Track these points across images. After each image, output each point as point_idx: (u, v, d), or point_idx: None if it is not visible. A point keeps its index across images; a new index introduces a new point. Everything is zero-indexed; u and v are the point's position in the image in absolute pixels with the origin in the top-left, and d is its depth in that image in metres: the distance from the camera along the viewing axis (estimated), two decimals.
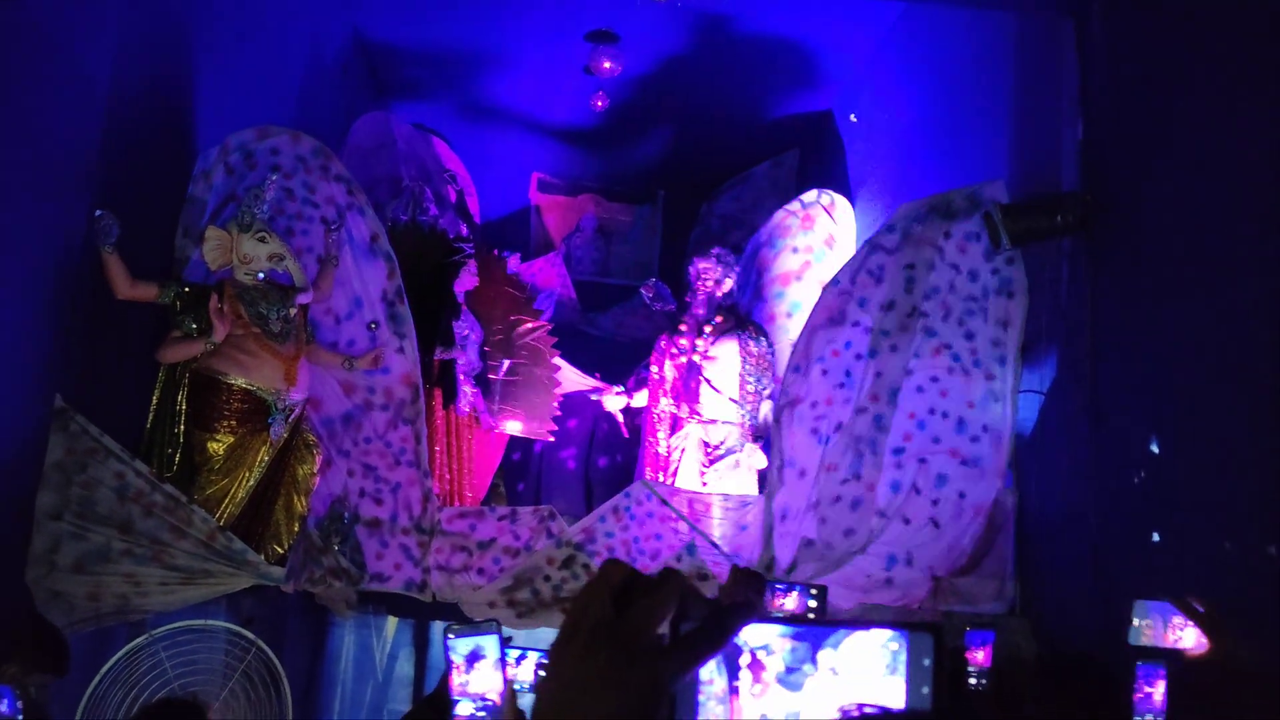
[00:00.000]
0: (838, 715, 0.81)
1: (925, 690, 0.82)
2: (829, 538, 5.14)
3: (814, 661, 0.84)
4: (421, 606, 5.51)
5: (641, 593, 0.81)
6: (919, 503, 5.20)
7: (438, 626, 5.60)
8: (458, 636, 1.81)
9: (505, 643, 1.88)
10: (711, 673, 0.84)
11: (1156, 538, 4.02)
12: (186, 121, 5.84)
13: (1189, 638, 2.27)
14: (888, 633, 0.84)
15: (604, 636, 0.79)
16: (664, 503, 5.57)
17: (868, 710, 0.75)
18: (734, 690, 0.83)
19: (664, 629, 0.81)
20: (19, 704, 3.24)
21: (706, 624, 0.80)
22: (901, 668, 0.83)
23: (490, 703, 1.78)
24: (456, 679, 1.78)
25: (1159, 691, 2.45)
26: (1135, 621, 2.30)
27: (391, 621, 5.62)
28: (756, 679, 0.83)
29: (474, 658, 1.78)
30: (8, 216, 4.48)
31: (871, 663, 0.84)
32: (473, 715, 1.77)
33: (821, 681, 0.83)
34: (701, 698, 0.81)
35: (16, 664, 3.51)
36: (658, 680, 0.78)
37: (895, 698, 0.82)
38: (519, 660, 2.30)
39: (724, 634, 0.80)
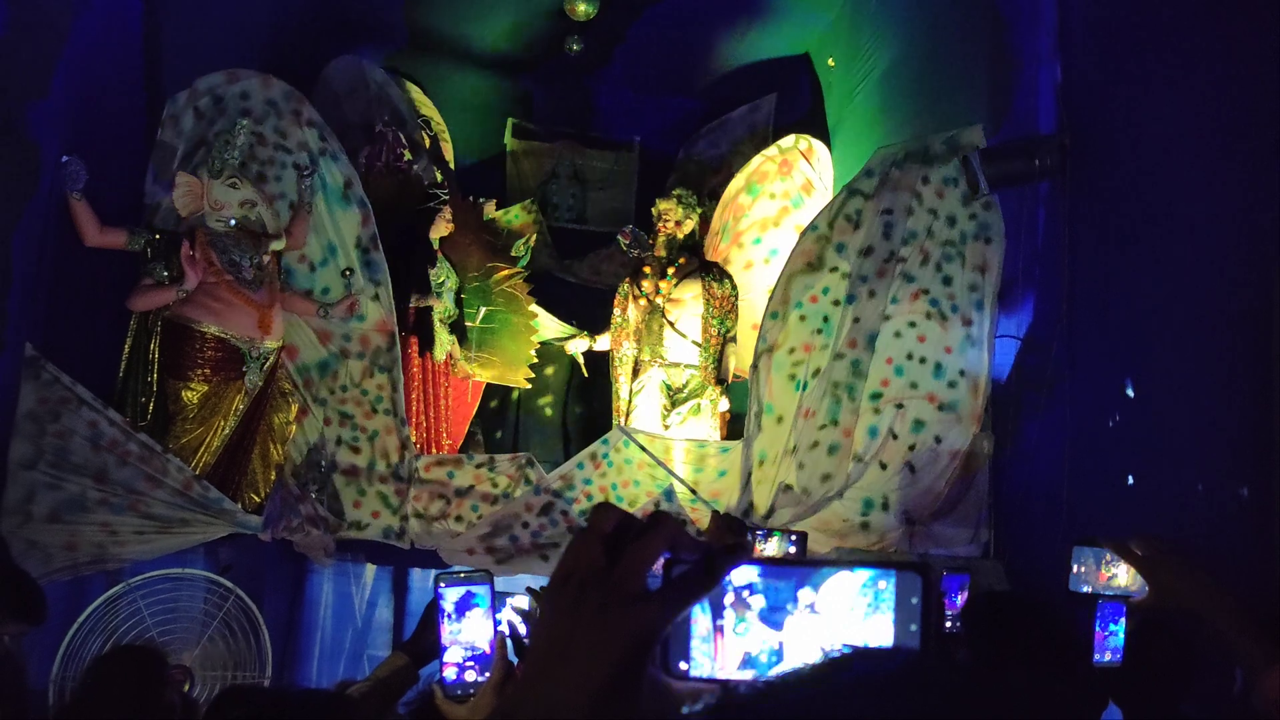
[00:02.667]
0: (820, 654, 0.80)
1: (913, 628, 0.82)
2: (806, 483, 5.16)
3: (795, 599, 0.83)
4: (400, 554, 5.52)
5: (632, 538, 0.81)
6: (896, 448, 5.23)
7: (416, 573, 5.62)
8: (449, 585, 1.80)
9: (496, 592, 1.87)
10: (696, 612, 0.84)
11: (1131, 481, 4.06)
12: (154, 64, 5.73)
13: (1122, 576, 2.27)
14: (874, 572, 0.83)
15: (595, 585, 0.80)
16: (642, 449, 5.58)
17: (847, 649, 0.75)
18: (718, 629, 0.83)
19: (655, 571, 0.81)
20: None
21: (697, 568, 0.81)
22: (885, 606, 0.83)
23: (480, 651, 1.78)
24: (447, 627, 1.78)
25: (1121, 631, 2.47)
26: (1075, 568, 2.30)
27: (370, 569, 5.62)
28: (740, 617, 0.83)
29: (465, 606, 1.78)
30: None
31: (853, 600, 0.84)
32: (462, 663, 1.77)
33: (801, 619, 0.83)
34: (692, 636, 0.82)
35: None
36: (649, 625, 0.78)
37: (883, 636, 0.82)
38: (500, 606, 2.31)
39: (714, 578, 0.81)
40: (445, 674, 1.79)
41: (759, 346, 5.48)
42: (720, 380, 6.68)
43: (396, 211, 6.67)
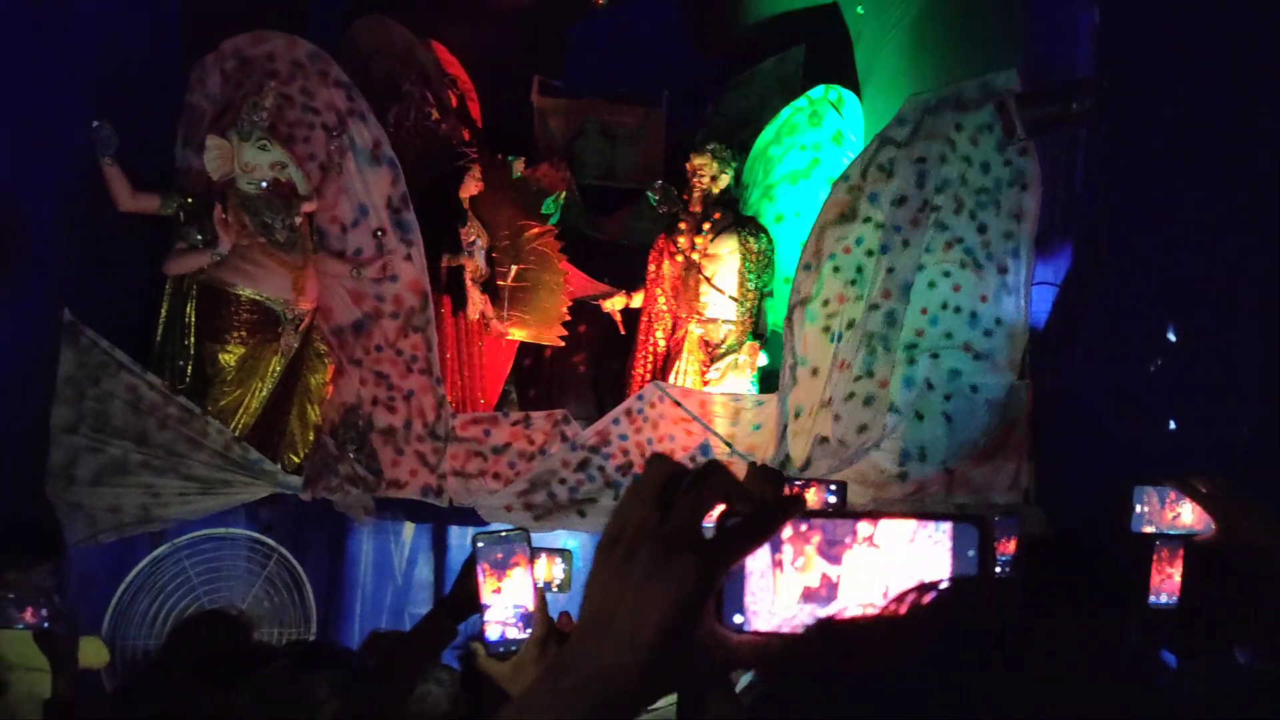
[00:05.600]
0: (882, 599, 0.79)
1: None
2: (843, 435, 5.14)
3: (854, 531, 0.82)
4: (438, 511, 5.56)
5: (685, 489, 0.80)
6: (932, 398, 5.19)
7: (455, 530, 5.66)
8: (487, 545, 1.80)
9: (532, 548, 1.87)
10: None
11: (1173, 425, 4.02)
12: (183, 28, 5.73)
13: (1186, 515, 2.24)
14: (929, 525, 0.82)
15: (647, 539, 0.79)
16: (677, 404, 5.57)
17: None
18: (776, 563, 0.82)
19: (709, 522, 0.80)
20: (44, 611, 3.26)
21: (751, 520, 0.80)
22: (942, 552, 0.82)
23: (521, 608, 1.79)
24: (487, 586, 1.79)
25: (1178, 572, 2.44)
26: (1137, 508, 2.27)
27: (409, 527, 5.67)
28: (798, 552, 0.82)
29: (504, 565, 1.79)
30: (6, 130, 4.42)
31: (912, 539, 0.83)
32: (504, 621, 1.78)
33: (860, 552, 0.82)
34: (747, 582, 0.81)
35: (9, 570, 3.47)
36: (702, 575, 0.78)
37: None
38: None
39: (768, 532, 0.80)
40: (487, 633, 1.80)
41: (792, 299, 5.45)
42: (758, 335, 6.65)
43: (426, 171, 6.65)
